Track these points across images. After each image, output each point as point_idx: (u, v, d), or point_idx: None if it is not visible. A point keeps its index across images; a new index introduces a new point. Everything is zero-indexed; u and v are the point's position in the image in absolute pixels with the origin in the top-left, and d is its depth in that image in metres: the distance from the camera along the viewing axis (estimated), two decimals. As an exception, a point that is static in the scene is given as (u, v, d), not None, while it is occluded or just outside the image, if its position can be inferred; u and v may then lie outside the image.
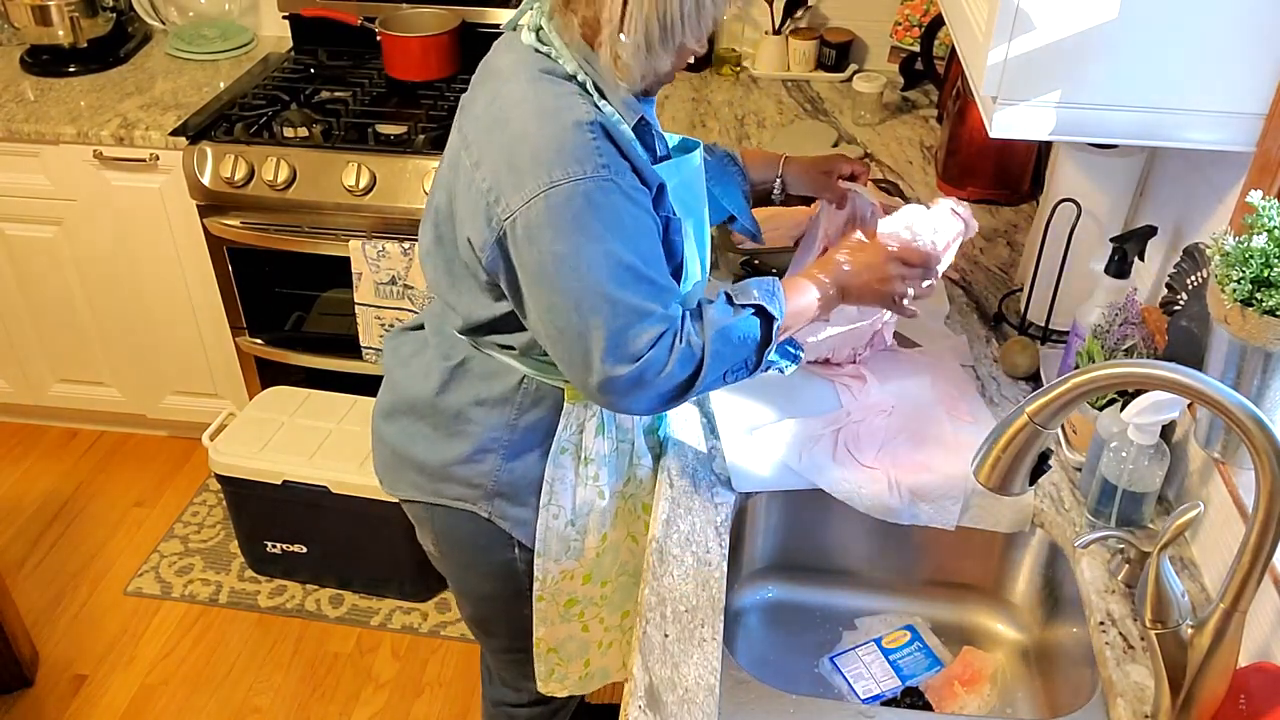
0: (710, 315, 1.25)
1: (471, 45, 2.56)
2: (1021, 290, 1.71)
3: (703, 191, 1.39)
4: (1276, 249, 1.04)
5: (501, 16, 2.57)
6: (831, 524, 1.46)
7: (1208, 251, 1.12)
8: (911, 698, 1.37)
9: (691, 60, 1.27)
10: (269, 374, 2.63)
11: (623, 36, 1.14)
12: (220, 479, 2.36)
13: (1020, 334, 1.65)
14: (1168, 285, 1.41)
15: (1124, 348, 1.35)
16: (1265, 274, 1.04)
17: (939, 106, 2.39)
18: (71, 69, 2.65)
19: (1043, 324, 1.64)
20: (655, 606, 1.25)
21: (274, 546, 2.45)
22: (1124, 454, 1.26)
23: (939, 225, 1.41)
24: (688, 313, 1.24)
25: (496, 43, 1.31)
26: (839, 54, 2.55)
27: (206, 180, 2.34)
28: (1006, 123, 1.25)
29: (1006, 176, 2.05)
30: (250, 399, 2.60)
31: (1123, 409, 1.25)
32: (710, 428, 1.51)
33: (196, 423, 2.71)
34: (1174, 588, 1.02)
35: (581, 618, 1.56)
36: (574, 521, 1.44)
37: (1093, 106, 1.23)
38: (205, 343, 2.68)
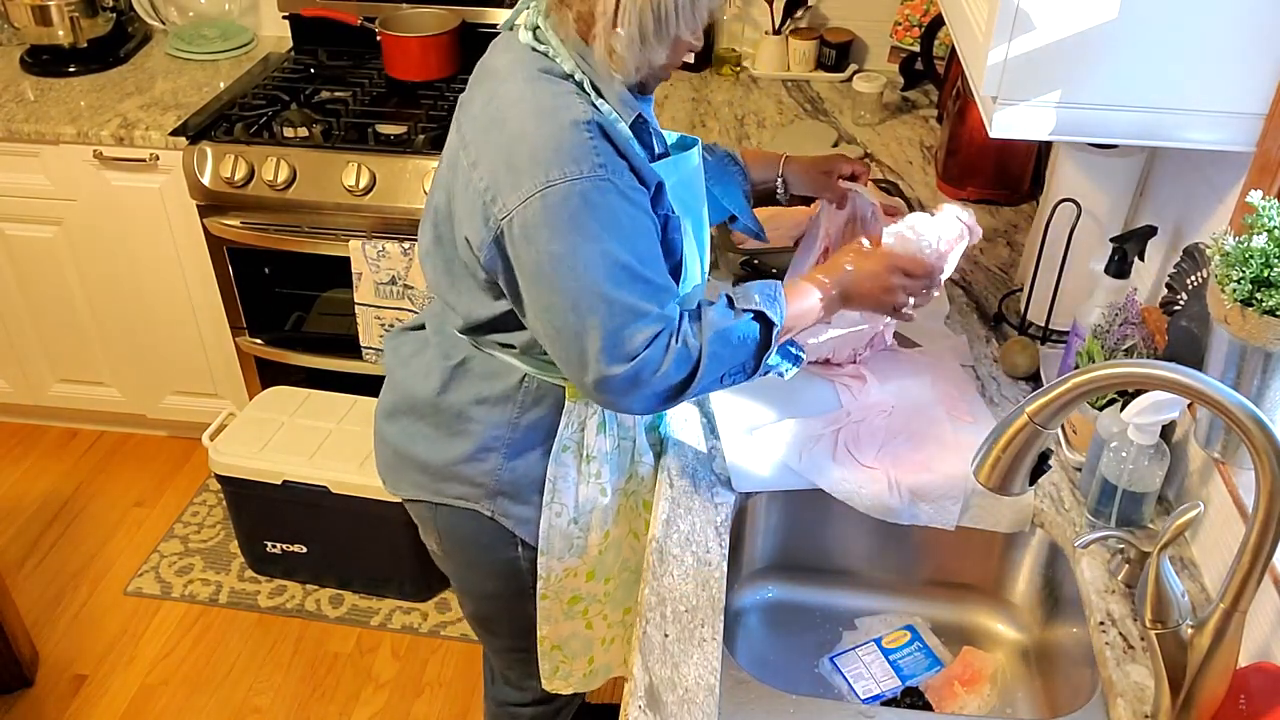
0: (710, 317, 1.25)
1: (471, 45, 2.56)
2: (1021, 290, 1.71)
3: (701, 189, 1.39)
4: (1276, 249, 1.04)
5: (501, 16, 2.57)
6: (831, 524, 1.46)
7: (1208, 251, 1.12)
8: (911, 698, 1.37)
9: (689, 57, 1.27)
10: (269, 374, 2.63)
11: (618, 30, 1.14)
12: (220, 479, 2.36)
13: (1020, 334, 1.65)
14: (1168, 285, 1.41)
15: (1124, 348, 1.35)
16: (1265, 274, 1.04)
17: (939, 106, 2.39)
18: (71, 69, 2.65)
19: (1043, 324, 1.64)
20: (655, 606, 1.25)
21: (274, 546, 2.45)
22: (1124, 454, 1.26)
23: (943, 231, 1.42)
24: (686, 314, 1.24)
25: (493, 42, 1.31)
26: (839, 54, 2.55)
27: (206, 180, 2.34)
28: (1006, 123, 1.25)
29: (1006, 176, 2.05)
30: (250, 399, 2.60)
31: (1123, 409, 1.25)
32: (710, 427, 1.51)
33: (196, 423, 2.71)
34: (1174, 588, 1.02)
35: (585, 615, 1.56)
36: (577, 519, 1.44)
37: (1093, 106, 1.23)
38: (205, 343, 2.68)
